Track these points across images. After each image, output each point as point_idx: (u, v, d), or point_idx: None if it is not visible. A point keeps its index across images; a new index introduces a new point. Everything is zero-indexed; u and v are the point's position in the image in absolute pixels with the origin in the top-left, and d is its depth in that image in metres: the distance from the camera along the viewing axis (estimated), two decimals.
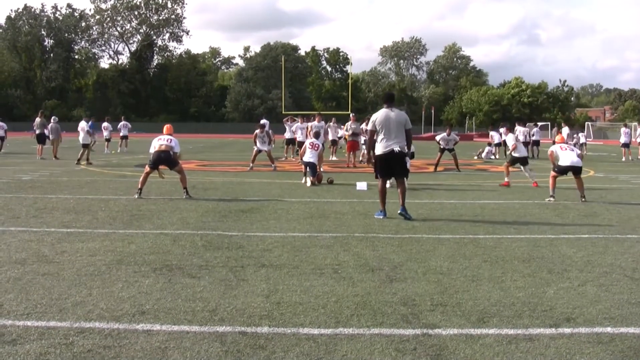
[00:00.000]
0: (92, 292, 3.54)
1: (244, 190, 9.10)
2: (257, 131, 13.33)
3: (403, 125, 6.49)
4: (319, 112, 14.81)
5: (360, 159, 16.60)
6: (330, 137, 16.87)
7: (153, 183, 9.42)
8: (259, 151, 13.37)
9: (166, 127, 8.34)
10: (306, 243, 5.09)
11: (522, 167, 10.60)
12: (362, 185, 9.50)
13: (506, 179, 10.30)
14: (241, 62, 77.92)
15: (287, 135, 17.20)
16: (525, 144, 21.01)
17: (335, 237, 5.35)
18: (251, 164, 13.24)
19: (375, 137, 6.54)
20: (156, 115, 65.59)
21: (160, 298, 3.44)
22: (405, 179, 6.64)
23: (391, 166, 6.46)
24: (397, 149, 6.38)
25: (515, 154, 10.32)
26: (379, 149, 6.47)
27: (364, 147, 15.82)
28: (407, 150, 6.58)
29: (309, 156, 10.41)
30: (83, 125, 15.38)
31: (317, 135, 11.24)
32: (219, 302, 3.39)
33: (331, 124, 16.85)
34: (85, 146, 14.56)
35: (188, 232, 5.49)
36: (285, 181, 10.69)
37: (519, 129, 21.80)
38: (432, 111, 53.96)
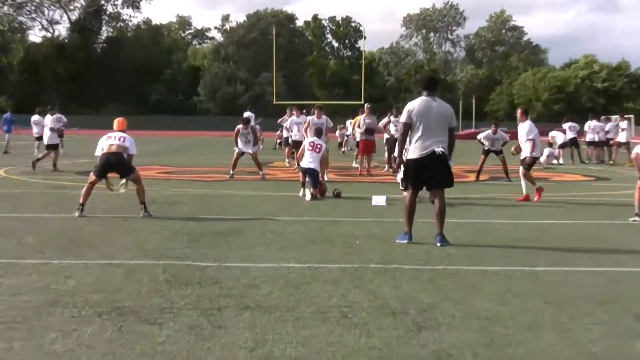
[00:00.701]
0: (14, 346, 3.51)
1: (222, 206, 9.10)
2: (240, 127, 13.29)
3: (447, 121, 6.54)
4: (319, 107, 14.29)
5: (374, 163, 16.29)
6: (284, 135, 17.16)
7: (100, 196, 9.31)
8: (242, 154, 13.37)
9: (118, 122, 8.33)
10: (305, 277, 5.10)
11: (520, 168, 10.37)
12: (379, 200, 9.50)
13: (536, 186, 10.05)
14: (219, 36, 78.97)
15: (286, 132, 17.31)
16: (600, 143, 21.05)
17: (344, 269, 5.37)
18: (231, 171, 13.21)
19: (409, 134, 6.55)
20: (104, 106, 65.48)
21: (107, 353, 3.42)
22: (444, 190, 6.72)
23: (429, 173, 6.49)
24: (439, 150, 6.41)
25: (535, 154, 10.16)
26: (415, 150, 6.48)
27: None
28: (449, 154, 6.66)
29: (308, 161, 10.40)
30: (41, 119, 15.61)
31: (318, 133, 11.20)
32: (188, 357, 3.37)
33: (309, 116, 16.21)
34: (52, 147, 14.69)
35: (146, 263, 5.52)
36: (278, 194, 10.69)
37: (591, 124, 21.86)
38: (473, 100, 53.76)
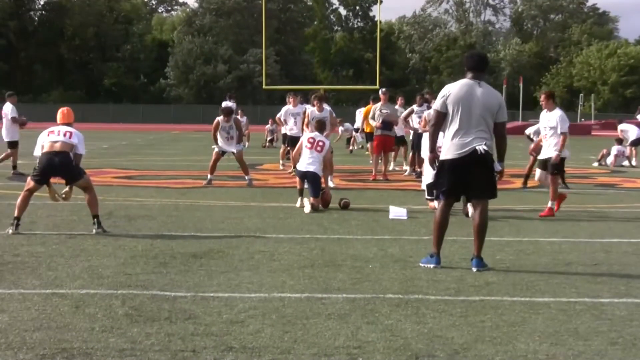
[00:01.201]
0: None
1: (198, 221, 9.18)
2: (220, 120, 13.43)
3: (493, 113, 6.57)
4: (319, 97, 14.31)
5: (392, 167, 16.46)
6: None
7: (41, 207, 9.32)
8: (223, 154, 13.57)
9: (62, 113, 8.34)
10: (304, 310, 5.14)
11: (537, 172, 10.32)
12: (398, 212, 9.66)
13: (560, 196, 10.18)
14: (192, 1, 78.99)
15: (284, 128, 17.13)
16: None
17: (353, 300, 5.40)
18: (209, 176, 13.34)
19: (442, 127, 6.63)
20: (45, 91, 65.09)
21: None
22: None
23: (468, 178, 6.53)
24: (481, 147, 6.46)
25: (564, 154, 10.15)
26: (450, 149, 6.55)
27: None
28: (494, 155, 6.68)
29: (307, 162, 10.54)
30: (7, 109, 15.88)
31: (320, 126, 11.28)
32: None
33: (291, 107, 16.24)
34: (13, 145, 15.11)
35: (101, 292, 5.52)
36: (269, 204, 10.83)
37: None
38: (520, 85, 53.34)
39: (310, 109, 14.40)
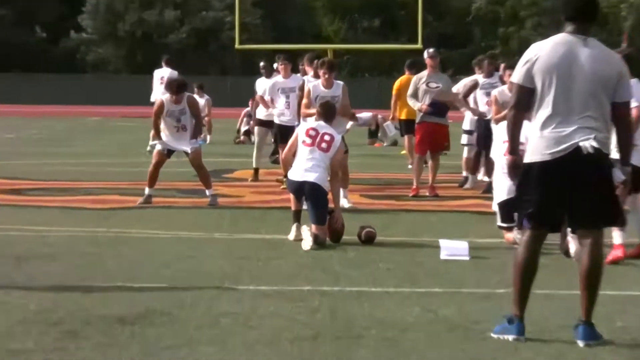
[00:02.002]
0: None
1: (130, 263, 8.85)
2: (165, 99, 13.12)
3: (609, 88, 6.20)
4: (329, 64, 13.03)
5: (468, 181, 15.49)
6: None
7: None
8: (169, 154, 13.26)
9: None
10: None
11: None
12: (455, 250, 9.42)
13: None
14: None
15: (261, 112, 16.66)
16: None
17: None
18: (147, 190, 13.07)
19: (527, 111, 6.35)
20: None
21: None
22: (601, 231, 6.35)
23: (570, 194, 6.21)
24: (590, 144, 6.09)
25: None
26: (541, 146, 6.24)
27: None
28: (610, 155, 6.24)
29: (305, 167, 10.38)
30: None
31: (327, 112, 10.96)
32: None
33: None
34: None
35: None
36: (243, 236, 10.79)
37: None
38: None
39: (312, 83, 13.54)
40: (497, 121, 11.43)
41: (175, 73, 21.06)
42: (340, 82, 13.17)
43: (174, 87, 12.82)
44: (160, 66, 22.96)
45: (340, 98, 12.67)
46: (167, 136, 12.91)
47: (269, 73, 16.52)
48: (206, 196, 12.92)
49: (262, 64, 17.09)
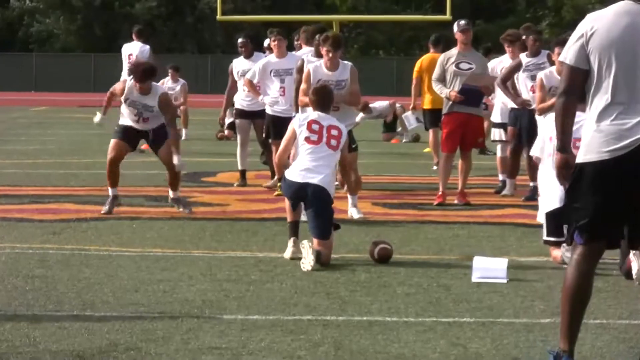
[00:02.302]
0: None
1: (89, 288, 8.65)
2: (129, 85, 12.83)
3: None
4: (335, 39, 12.48)
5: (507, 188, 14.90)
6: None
7: None
8: (130, 145, 13.07)
9: None
10: None
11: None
12: (491, 270, 9.33)
13: None
14: None
15: (243, 101, 16.29)
16: None
17: None
18: (110, 190, 13.00)
19: (581, 98, 6.08)
20: None
21: None
22: None
23: (633, 201, 6.05)
24: None
25: None
26: (596, 141, 6.06)
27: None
28: None
29: (306, 167, 10.29)
30: None
31: (322, 98, 10.74)
32: None
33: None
34: None
35: None
36: (229, 254, 10.69)
37: None
38: None
39: (313, 64, 13.22)
40: (542, 111, 11.10)
41: (146, 48, 19.98)
42: (348, 63, 12.68)
43: (138, 73, 12.12)
44: (128, 40, 21.88)
45: (348, 83, 12.27)
46: (125, 120, 12.52)
47: (249, 52, 15.51)
48: (179, 207, 12.84)
49: (240, 40, 15.85)
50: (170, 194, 12.68)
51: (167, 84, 17.48)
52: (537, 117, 11.51)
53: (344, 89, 11.85)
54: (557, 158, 6.40)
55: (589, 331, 6.56)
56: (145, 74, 12.29)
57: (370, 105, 19.52)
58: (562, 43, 9.45)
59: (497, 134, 15.09)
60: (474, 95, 13.70)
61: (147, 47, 19.16)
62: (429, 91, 15.59)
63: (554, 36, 13.71)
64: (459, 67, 13.66)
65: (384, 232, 11.33)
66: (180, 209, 12.51)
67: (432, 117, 16.35)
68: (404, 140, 24.52)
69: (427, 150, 19.31)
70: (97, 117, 13.13)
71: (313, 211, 9.80)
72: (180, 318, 7.60)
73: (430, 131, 16.83)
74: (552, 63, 11.88)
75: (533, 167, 10.49)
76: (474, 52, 14.30)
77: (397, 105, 24.37)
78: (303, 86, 12.37)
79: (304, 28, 14.40)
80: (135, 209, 13.13)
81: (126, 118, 12.30)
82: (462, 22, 14.28)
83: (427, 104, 16.52)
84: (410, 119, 23.10)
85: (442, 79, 13.74)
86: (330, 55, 12.31)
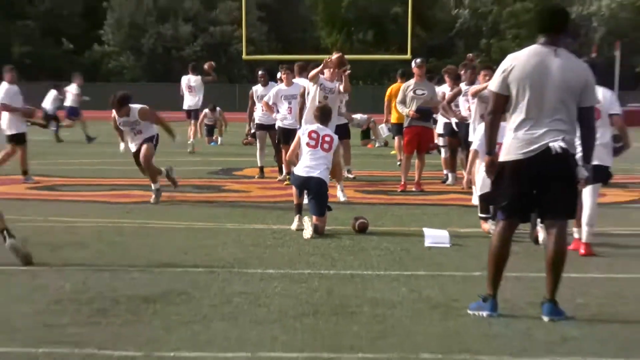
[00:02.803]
0: None
1: (151, 250, 9.27)
2: (114, 114, 13.15)
3: (576, 94, 6.49)
4: (337, 60, 13.76)
5: (450, 179, 15.82)
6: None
7: None
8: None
9: None
10: None
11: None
12: (438, 238, 9.79)
13: None
14: None
15: (259, 117, 16.97)
16: None
17: None
18: (153, 186, 13.12)
19: (500, 115, 6.66)
20: None
21: None
22: (565, 221, 6.61)
23: (539, 188, 6.54)
24: (558, 145, 6.40)
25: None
26: (514, 146, 6.55)
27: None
28: (577, 154, 6.53)
29: (308, 165, 10.70)
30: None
31: (323, 114, 11.30)
32: None
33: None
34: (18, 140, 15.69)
35: (14, 352, 5.54)
36: (252, 226, 10.89)
37: None
38: (617, 52, 52.11)
39: (312, 86, 13.79)
40: (475, 93, 12.13)
41: (199, 78, 22.24)
42: (337, 82, 14.01)
43: (115, 103, 12.90)
44: (184, 73, 23.85)
45: (339, 88, 13.78)
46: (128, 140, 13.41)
47: (266, 81, 17.09)
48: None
49: (260, 72, 17.63)
50: (152, 185, 13.20)
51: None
52: (472, 127, 12.08)
53: (335, 93, 13.39)
54: (485, 159, 6.81)
55: (508, 281, 7.01)
56: (120, 102, 12.98)
57: (353, 116, 23.45)
58: (487, 68, 10.28)
59: (441, 141, 16.26)
60: (426, 113, 14.94)
61: (200, 77, 21.59)
62: (395, 110, 16.92)
63: None
64: (416, 93, 14.82)
65: (362, 210, 11.96)
66: (152, 199, 12.99)
67: (397, 129, 17.73)
68: (377, 145, 26.38)
69: (393, 152, 20.69)
70: (122, 147, 14.16)
71: (314, 196, 10.58)
72: (217, 272, 8.14)
73: (396, 138, 18.18)
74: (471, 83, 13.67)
75: (471, 162, 10.85)
76: (427, 82, 15.46)
77: (372, 119, 26.41)
78: (307, 100, 13.77)
79: (297, 63, 16.24)
80: (185, 195, 14.03)
81: (128, 138, 13.14)
82: (418, 60, 15.46)
83: (394, 119, 18.09)
84: (383, 129, 25.36)
85: (403, 102, 14.88)
86: (328, 72, 13.66)
